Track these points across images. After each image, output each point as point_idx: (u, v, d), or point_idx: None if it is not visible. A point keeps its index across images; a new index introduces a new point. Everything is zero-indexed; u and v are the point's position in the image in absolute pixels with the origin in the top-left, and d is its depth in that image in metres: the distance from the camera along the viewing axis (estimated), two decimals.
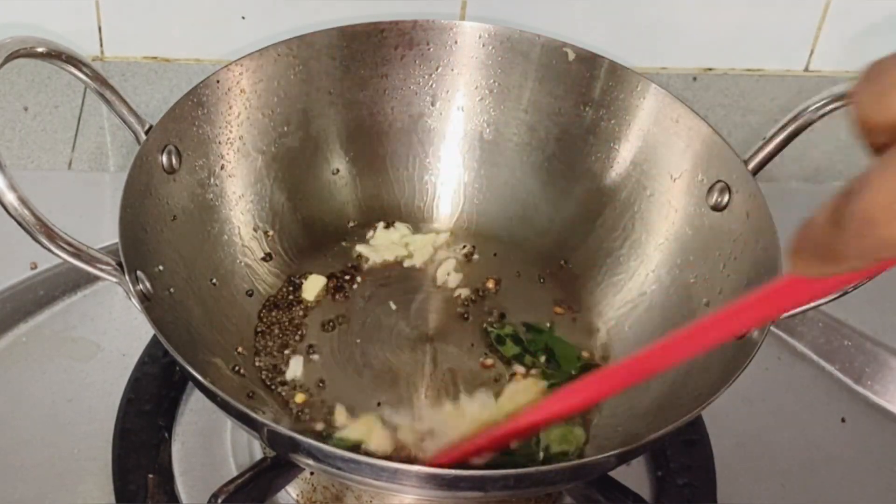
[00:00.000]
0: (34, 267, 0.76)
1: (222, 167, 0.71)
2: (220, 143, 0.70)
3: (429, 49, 0.75)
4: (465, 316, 0.72)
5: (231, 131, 0.71)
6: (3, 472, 0.67)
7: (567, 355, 0.70)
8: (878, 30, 0.90)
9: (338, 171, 0.77)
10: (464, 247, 0.77)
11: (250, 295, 0.71)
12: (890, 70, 0.31)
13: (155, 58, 0.94)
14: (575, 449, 0.65)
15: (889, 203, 0.30)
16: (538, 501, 0.66)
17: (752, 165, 0.66)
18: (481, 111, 0.77)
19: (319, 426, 0.65)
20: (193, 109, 0.68)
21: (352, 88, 0.75)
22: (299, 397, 0.66)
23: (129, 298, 0.58)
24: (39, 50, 0.59)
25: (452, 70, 0.76)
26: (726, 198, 0.67)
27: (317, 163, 0.76)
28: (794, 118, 0.66)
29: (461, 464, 0.62)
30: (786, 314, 0.42)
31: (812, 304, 0.47)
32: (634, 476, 0.68)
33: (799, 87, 0.93)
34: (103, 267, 0.58)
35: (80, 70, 0.62)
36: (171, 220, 0.66)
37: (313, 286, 0.72)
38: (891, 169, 0.30)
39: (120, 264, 0.58)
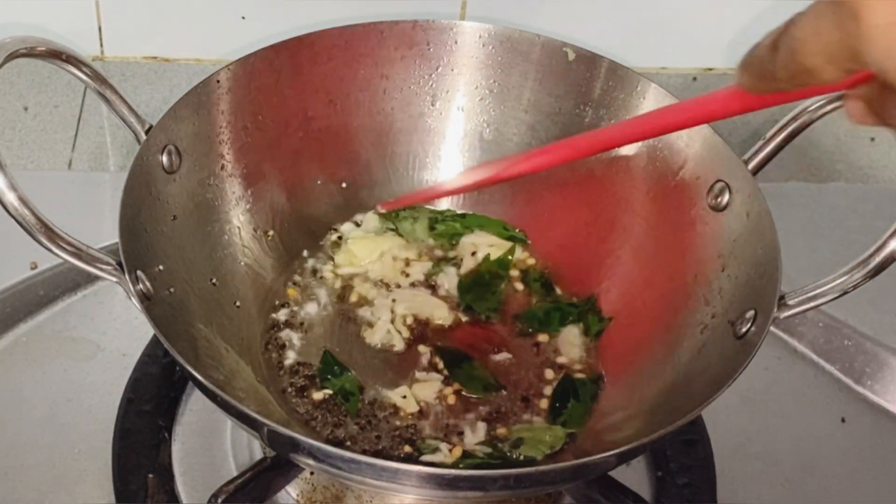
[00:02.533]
0: (34, 267, 0.76)
1: (222, 167, 0.71)
2: (220, 143, 0.70)
3: (429, 49, 0.75)
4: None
5: (231, 131, 0.71)
6: (3, 472, 0.67)
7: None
8: None
9: (338, 171, 0.77)
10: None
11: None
12: None
13: (155, 58, 0.94)
14: (550, 450, 0.65)
15: (808, 37, 0.37)
16: (538, 501, 0.66)
17: (752, 165, 0.66)
18: (481, 111, 0.77)
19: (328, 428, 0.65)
20: (193, 109, 0.68)
21: (352, 88, 0.75)
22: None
23: (129, 298, 0.58)
24: (39, 50, 0.59)
25: (452, 70, 0.76)
26: (726, 198, 0.67)
27: (316, 163, 0.76)
28: (794, 118, 0.66)
29: (463, 458, 0.63)
30: (724, 118, 0.49)
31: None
32: (634, 476, 0.68)
33: None
34: (103, 267, 0.58)
35: (80, 70, 0.62)
36: (171, 220, 0.66)
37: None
38: (815, 11, 0.36)
39: (120, 264, 0.58)
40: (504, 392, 0.68)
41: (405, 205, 0.76)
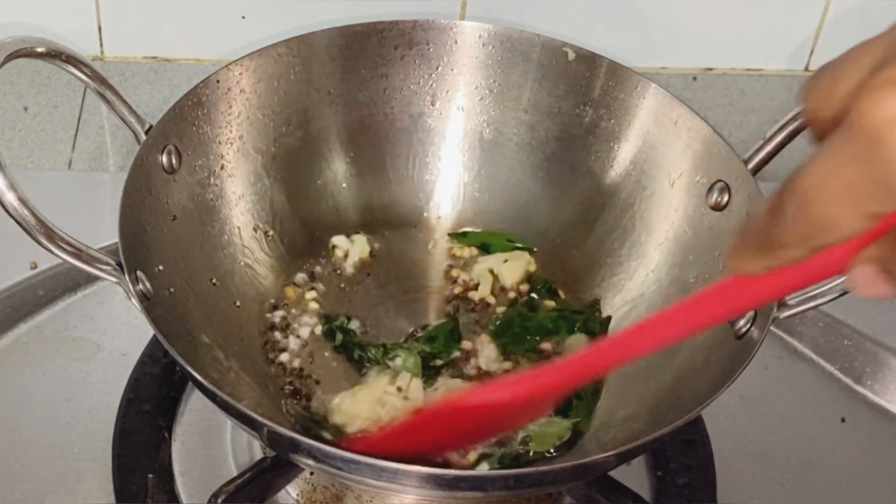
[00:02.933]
0: (34, 267, 0.76)
1: (222, 167, 0.71)
2: (220, 143, 0.70)
3: (429, 49, 0.75)
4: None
5: (231, 131, 0.71)
6: (3, 472, 0.67)
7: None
8: (878, 30, 0.90)
9: (338, 171, 0.77)
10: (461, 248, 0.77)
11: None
12: (836, 67, 0.32)
13: (155, 58, 0.94)
14: (558, 441, 0.65)
15: (822, 182, 0.31)
16: (538, 501, 0.66)
17: (751, 165, 0.66)
18: (481, 111, 0.77)
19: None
20: (193, 109, 0.68)
21: (352, 88, 0.75)
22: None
23: (129, 298, 0.58)
24: (39, 50, 0.59)
25: (452, 70, 0.76)
26: (726, 198, 0.67)
27: (317, 163, 0.76)
28: (794, 118, 0.66)
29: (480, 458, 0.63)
30: (729, 319, 0.41)
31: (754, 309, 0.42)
32: (634, 476, 0.68)
33: (799, 87, 0.93)
34: (103, 267, 0.58)
35: (80, 70, 0.62)
36: (171, 220, 0.66)
37: None
38: (826, 152, 0.31)
39: (120, 264, 0.58)
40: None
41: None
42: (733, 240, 0.36)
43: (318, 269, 0.74)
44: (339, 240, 0.76)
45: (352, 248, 0.75)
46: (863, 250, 0.34)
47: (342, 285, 0.74)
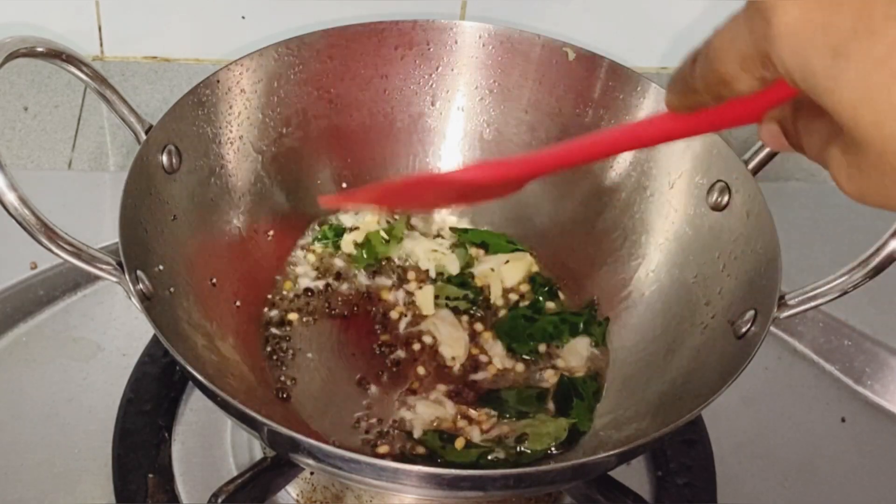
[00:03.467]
0: (34, 267, 0.76)
1: (222, 167, 0.71)
2: (220, 143, 0.70)
3: (429, 49, 0.75)
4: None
5: (231, 131, 0.71)
6: (3, 472, 0.67)
7: None
8: None
9: (337, 171, 0.77)
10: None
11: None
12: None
13: (155, 58, 0.94)
14: (554, 441, 0.65)
15: (723, 44, 0.37)
16: (538, 501, 0.66)
17: (752, 165, 0.66)
18: (481, 111, 0.77)
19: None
20: (193, 109, 0.68)
21: (352, 88, 0.75)
22: None
23: (129, 298, 0.58)
24: (39, 50, 0.59)
25: (452, 70, 0.76)
26: (726, 198, 0.67)
27: (316, 163, 0.76)
28: None
29: (460, 463, 0.63)
30: (658, 143, 0.47)
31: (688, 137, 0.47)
32: (634, 476, 0.68)
33: None
34: (103, 267, 0.58)
35: (80, 70, 0.62)
36: (171, 220, 0.66)
37: None
38: (733, 19, 0.36)
39: (120, 264, 0.58)
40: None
41: (351, 202, 0.73)
42: (670, 79, 0.41)
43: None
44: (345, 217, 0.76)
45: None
46: (770, 110, 0.40)
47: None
